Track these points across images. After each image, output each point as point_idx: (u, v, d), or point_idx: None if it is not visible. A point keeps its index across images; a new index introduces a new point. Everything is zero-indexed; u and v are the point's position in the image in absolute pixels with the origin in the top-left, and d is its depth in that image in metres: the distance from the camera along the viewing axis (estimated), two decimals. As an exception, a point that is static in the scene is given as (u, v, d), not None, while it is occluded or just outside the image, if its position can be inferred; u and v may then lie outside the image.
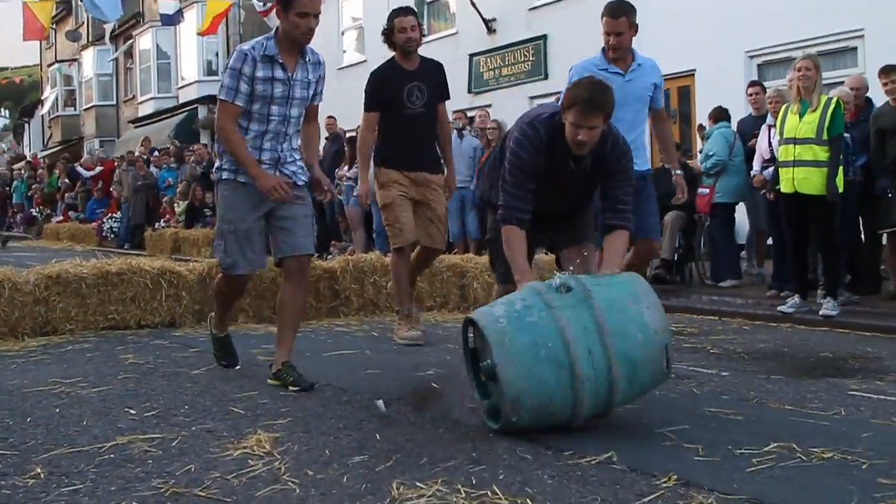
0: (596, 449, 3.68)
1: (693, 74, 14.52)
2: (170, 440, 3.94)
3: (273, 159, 5.09)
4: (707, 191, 10.05)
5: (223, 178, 5.12)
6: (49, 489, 3.29)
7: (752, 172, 9.35)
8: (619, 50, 5.91)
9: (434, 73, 7.05)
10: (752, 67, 13.65)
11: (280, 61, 4.96)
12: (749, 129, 10.09)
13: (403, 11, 6.95)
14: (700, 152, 11.08)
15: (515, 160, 4.50)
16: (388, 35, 6.83)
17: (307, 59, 5.12)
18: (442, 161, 7.30)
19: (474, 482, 3.28)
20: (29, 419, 4.38)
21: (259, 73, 4.92)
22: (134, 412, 4.49)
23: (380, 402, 4.44)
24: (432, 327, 7.68)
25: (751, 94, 10.55)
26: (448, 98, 7.30)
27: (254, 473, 3.44)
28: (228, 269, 5.21)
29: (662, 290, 9.59)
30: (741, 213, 10.47)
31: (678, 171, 6.53)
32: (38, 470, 3.51)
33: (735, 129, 10.48)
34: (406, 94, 6.72)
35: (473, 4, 17.66)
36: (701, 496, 3.07)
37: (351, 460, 3.60)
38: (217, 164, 5.27)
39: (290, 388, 4.96)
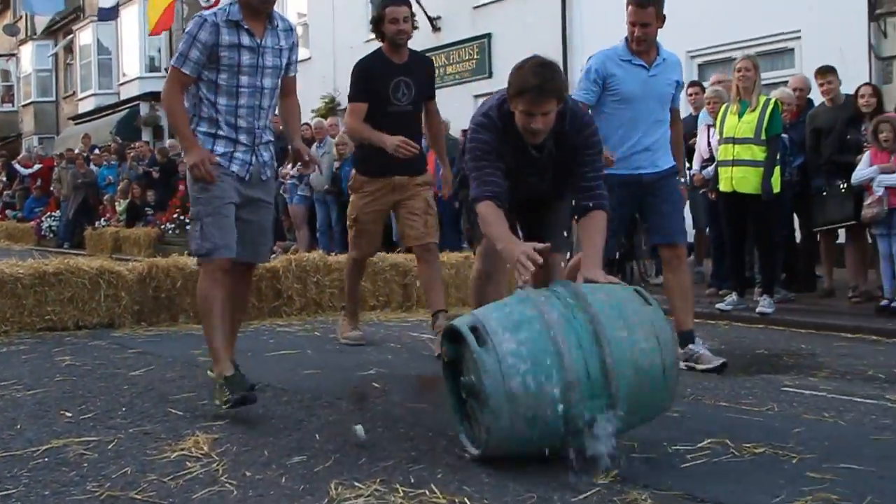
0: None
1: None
2: (106, 443, 3.89)
3: (250, 139, 4.65)
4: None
5: None
6: (-19, 494, 3.24)
7: (692, 172, 9.47)
8: (644, 42, 5.54)
9: (423, 69, 6.60)
10: (693, 67, 13.83)
11: (245, 27, 4.55)
12: (689, 128, 10.22)
13: (397, 1, 6.27)
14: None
15: (477, 145, 4.25)
16: (378, 24, 6.30)
17: (276, 26, 4.70)
18: (425, 160, 6.83)
19: (413, 481, 3.29)
20: (-39, 423, 4.32)
21: (224, 40, 4.51)
22: (70, 415, 4.42)
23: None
24: (375, 327, 7.68)
25: (690, 94, 10.67)
26: (434, 96, 6.74)
27: (191, 475, 3.41)
28: (208, 255, 4.53)
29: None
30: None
31: (682, 180, 6.54)
32: (-30, 475, 3.46)
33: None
34: (392, 89, 6.26)
35: (418, 2, 17.64)
36: (636, 492, 3.11)
37: (290, 461, 3.59)
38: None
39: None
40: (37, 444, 3.87)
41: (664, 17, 5.58)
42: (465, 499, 3.10)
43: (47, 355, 6.23)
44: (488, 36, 17.25)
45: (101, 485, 3.32)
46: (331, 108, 20.01)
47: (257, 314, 8.03)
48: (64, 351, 6.39)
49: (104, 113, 28.85)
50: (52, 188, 20.75)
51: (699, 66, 13.87)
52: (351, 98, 6.50)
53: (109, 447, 3.83)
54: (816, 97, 9.31)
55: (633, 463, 3.51)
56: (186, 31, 4.55)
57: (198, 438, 3.88)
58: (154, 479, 3.38)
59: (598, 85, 5.59)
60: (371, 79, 6.28)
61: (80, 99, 30.86)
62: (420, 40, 18.23)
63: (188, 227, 15.03)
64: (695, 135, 9.71)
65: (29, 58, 35.30)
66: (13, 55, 37.25)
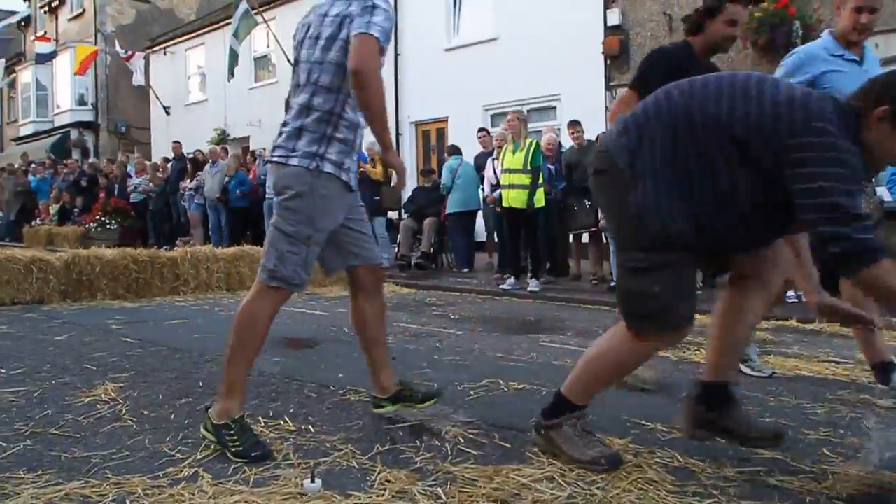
0: (364, 388, 3.71)
1: (447, 120, 14.90)
2: (32, 392, 3.67)
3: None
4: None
5: (325, 170, 2.85)
6: (-78, 434, 3.00)
7: (485, 194, 9.68)
8: (866, 31, 3.64)
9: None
10: (487, 117, 14.15)
11: None
12: (482, 161, 10.46)
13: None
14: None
15: (846, 172, 2.17)
16: (706, 16, 3.73)
17: None
18: None
19: (271, 415, 3.27)
20: None
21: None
22: (2, 371, 4.13)
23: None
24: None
25: (480, 137, 10.91)
26: None
27: (100, 415, 3.27)
28: (296, 285, 2.92)
29: (423, 275, 9.84)
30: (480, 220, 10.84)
31: None
32: (-85, 420, 3.19)
33: (471, 161, 10.79)
34: None
35: (290, 61, 17.28)
36: (437, 419, 3.20)
37: (178, 402, 3.49)
38: (311, 147, 2.85)
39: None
40: (-26, 394, 3.62)
41: None
42: (310, 426, 3.10)
43: (-13, 325, 5.80)
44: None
45: (26, 424, 3.13)
46: (222, 138, 19.37)
47: (159, 292, 7.72)
48: (1, 322, 5.97)
49: (41, 136, 26.90)
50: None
51: (491, 116, 14.17)
52: (633, 85, 3.79)
53: (35, 395, 3.61)
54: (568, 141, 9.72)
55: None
56: (382, 5, 2.86)
57: (107, 387, 3.71)
58: (70, 418, 3.22)
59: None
60: (676, 72, 3.26)
61: (21, 124, 28.63)
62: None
63: (108, 226, 14.30)
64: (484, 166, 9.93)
65: (-22, 91, 32.60)
66: (-36, 88, 34.29)
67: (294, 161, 2.85)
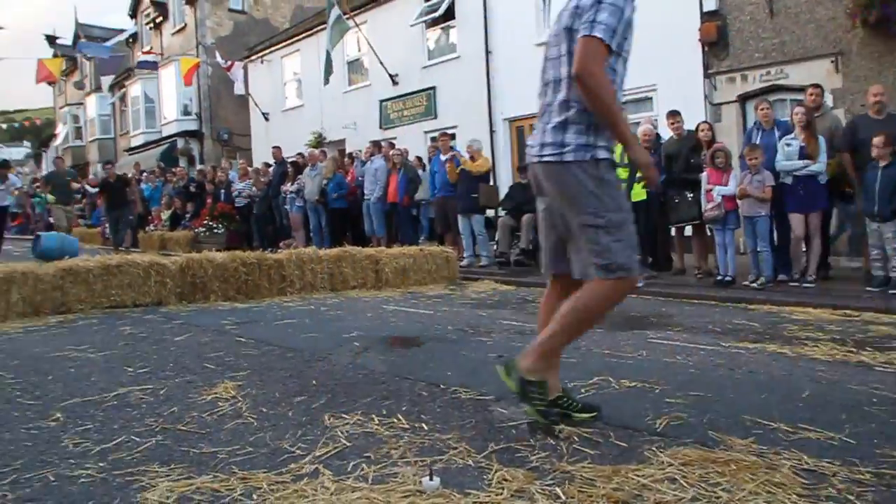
0: (474, 386, 3.77)
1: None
2: (158, 390, 3.86)
3: None
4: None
5: (601, 157, 2.91)
6: (67, 429, 3.20)
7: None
8: None
9: None
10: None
11: None
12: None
13: None
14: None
15: None
16: None
17: None
18: None
19: (384, 413, 3.32)
20: (50, 377, 4.23)
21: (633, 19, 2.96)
22: (131, 370, 4.37)
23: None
24: (352, 302, 7.67)
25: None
26: None
27: (222, 412, 3.41)
28: (633, 269, 2.93)
29: (523, 272, 9.79)
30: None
31: None
32: (58, 415, 3.41)
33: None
34: None
35: (382, 64, 17.60)
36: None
37: (295, 400, 3.59)
38: (581, 139, 2.88)
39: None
40: (107, 392, 3.83)
41: None
42: (423, 424, 3.14)
43: (112, 327, 6.13)
44: (433, 88, 17.24)
45: (156, 420, 3.30)
46: (319, 142, 19.86)
47: (267, 293, 7.96)
48: (125, 323, 6.30)
49: (150, 146, 28.28)
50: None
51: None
52: None
53: (161, 393, 3.80)
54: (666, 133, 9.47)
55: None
56: (610, 1, 2.82)
57: (226, 385, 3.87)
58: (195, 415, 3.37)
59: None
60: None
61: (132, 136, 30.17)
62: (384, 91, 18.32)
63: (215, 230, 14.88)
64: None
65: (93, 106, 34.50)
66: (81, 104, 36.38)
67: (569, 157, 2.88)
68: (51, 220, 23.72)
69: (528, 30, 14.76)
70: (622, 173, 7.88)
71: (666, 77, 12.07)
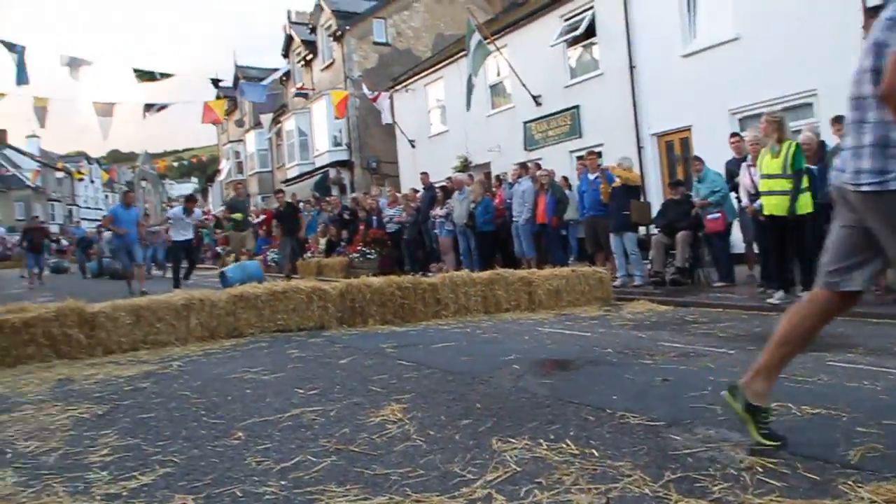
0: (641, 411, 3.65)
1: (690, 128, 14.28)
2: (328, 411, 4.00)
3: None
4: (718, 216, 9.78)
5: None
6: (249, 447, 3.38)
7: (744, 204, 9.12)
8: None
9: None
10: (735, 122, 13.34)
11: None
12: (734, 168, 9.87)
13: None
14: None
15: None
16: None
17: None
18: None
19: (552, 437, 3.27)
20: (229, 397, 4.50)
21: None
22: (301, 391, 4.57)
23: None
24: (507, 324, 7.66)
25: (732, 142, 10.30)
26: None
27: (391, 434, 3.48)
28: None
29: (679, 291, 9.44)
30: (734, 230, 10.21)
31: None
32: (240, 434, 3.61)
33: (721, 169, 10.25)
34: None
35: (524, 85, 17.67)
36: (727, 446, 3.03)
37: (460, 423, 3.62)
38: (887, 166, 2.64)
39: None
40: (281, 412, 4.02)
41: None
42: (593, 450, 3.07)
43: (280, 350, 6.43)
44: (577, 107, 17.10)
45: (329, 440, 3.42)
46: (465, 166, 20.17)
47: (422, 316, 8.10)
48: (291, 346, 6.59)
49: (304, 177, 29.80)
50: (273, 231, 21.47)
51: (739, 119, 13.34)
52: None
53: (331, 414, 3.94)
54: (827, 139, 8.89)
55: (720, 422, 3.41)
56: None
57: (393, 407, 3.95)
58: (365, 436, 3.46)
59: None
60: None
61: (288, 168, 31.93)
62: (527, 112, 18.38)
63: (368, 256, 15.39)
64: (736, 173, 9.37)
65: (252, 142, 36.89)
66: (241, 140, 38.95)
67: (893, 185, 2.63)
68: (218, 249, 25.49)
69: (674, 41, 14.38)
70: (786, 184, 7.47)
71: (826, 81, 11.32)
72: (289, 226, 15.87)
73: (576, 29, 16.81)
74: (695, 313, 7.91)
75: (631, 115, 15.45)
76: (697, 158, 10.43)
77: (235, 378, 5.13)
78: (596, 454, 3.01)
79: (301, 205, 21.38)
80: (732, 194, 9.86)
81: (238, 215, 15.81)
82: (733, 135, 10.68)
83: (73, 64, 18.39)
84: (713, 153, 10.94)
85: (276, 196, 15.44)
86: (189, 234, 13.79)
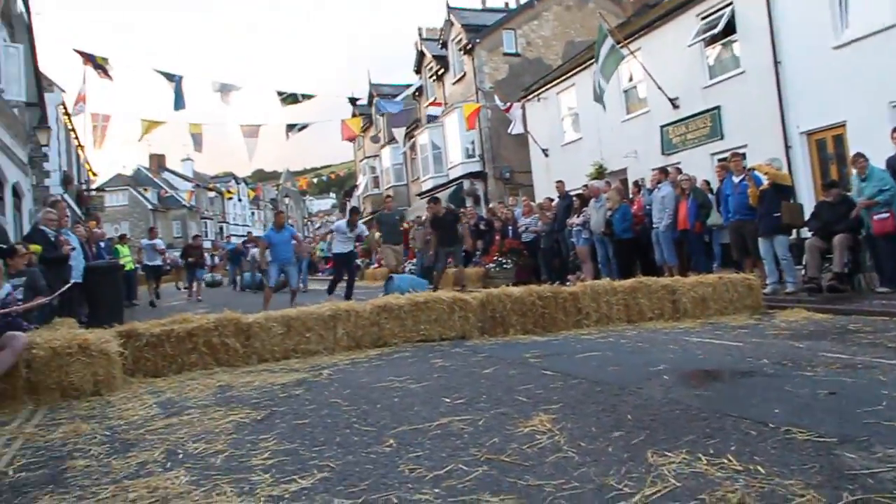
0: (808, 426, 3.42)
1: (844, 125, 13.36)
2: (476, 420, 4.01)
3: None
4: (887, 216, 9.04)
5: None
6: (401, 455, 3.44)
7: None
8: None
9: None
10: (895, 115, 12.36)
11: None
12: (896, 165, 9.15)
13: None
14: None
15: None
16: None
17: None
18: None
19: (712, 452, 3.13)
20: (378, 405, 4.60)
21: None
22: (448, 401, 4.60)
23: None
24: (651, 333, 7.42)
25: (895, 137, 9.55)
26: None
27: (541, 445, 3.44)
28: None
29: (838, 299, 8.82)
30: None
31: None
32: (391, 441, 3.68)
33: (883, 164, 9.53)
34: None
35: (660, 88, 17.18)
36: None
37: (612, 435, 3.53)
38: None
39: None
40: (430, 421, 4.06)
41: None
42: (758, 466, 2.90)
43: (425, 359, 6.52)
44: (718, 108, 16.42)
45: (479, 450, 3.42)
46: (600, 173, 19.84)
47: (563, 326, 7.99)
48: (435, 356, 6.66)
49: (439, 189, 30.29)
50: (409, 244, 21.92)
51: (901, 113, 12.34)
52: None
53: (480, 423, 3.94)
54: None
55: (897, 439, 3.14)
56: None
57: (541, 418, 3.91)
58: (515, 446, 3.44)
59: None
60: None
61: (423, 181, 32.58)
62: (663, 116, 17.85)
63: (504, 265, 15.43)
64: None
65: (387, 157, 37.94)
66: (377, 156, 40.17)
67: None
68: (357, 262, 26.27)
69: (823, 32, 13.52)
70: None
71: None
72: (447, 234, 14.47)
73: (714, 27, 16.17)
74: (857, 322, 7.34)
75: (777, 113, 14.66)
76: (860, 155, 9.70)
77: (383, 386, 5.24)
78: (762, 471, 2.84)
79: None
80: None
81: (368, 238, 14.81)
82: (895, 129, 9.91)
83: (224, 90, 19.57)
84: (872, 150, 10.18)
85: (430, 206, 14.70)
86: (350, 247, 13.50)
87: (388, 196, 19.59)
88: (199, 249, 20.89)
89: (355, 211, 14.42)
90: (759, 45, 15.07)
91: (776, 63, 14.65)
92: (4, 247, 7.86)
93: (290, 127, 21.83)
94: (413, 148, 34.43)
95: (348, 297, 12.51)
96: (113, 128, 20.49)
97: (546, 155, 23.84)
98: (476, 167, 28.03)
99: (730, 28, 16.00)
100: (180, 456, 3.71)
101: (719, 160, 13.92)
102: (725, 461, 2.99)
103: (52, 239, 9.76)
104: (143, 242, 19.75)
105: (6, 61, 16.12)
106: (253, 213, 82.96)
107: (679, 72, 17.35)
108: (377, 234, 15.13)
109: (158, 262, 19.12)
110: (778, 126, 14.60)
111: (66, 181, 25.86)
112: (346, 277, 13.65)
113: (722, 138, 16.33)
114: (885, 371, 4.71)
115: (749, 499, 2.56)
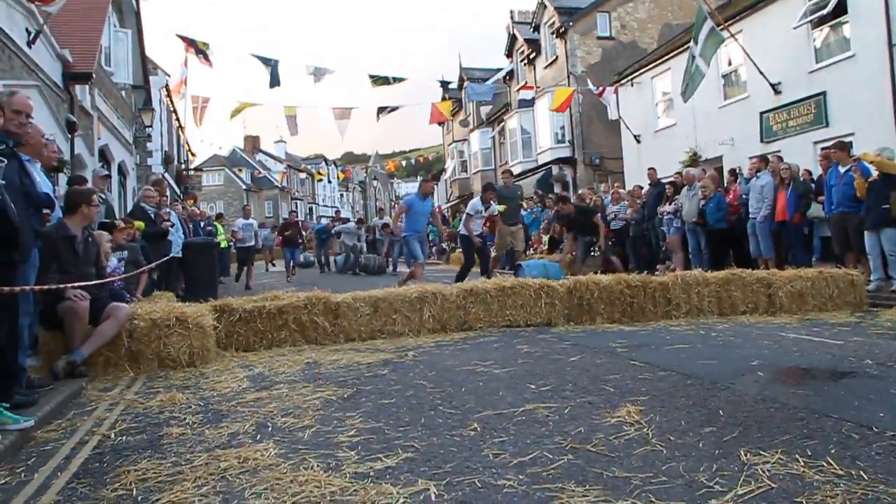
0: (915, 431, 3.24)
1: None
2: (562, 408, 3.97)
3: None
4: None
5: None
6: (485, 439, 3.44)
7: None
8: None
9: None
10: None
11: None
12: None
13: None
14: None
15: None
16: None
17: None
18: None
19: (809, 454, 3.00)
20: (463, 389, 4.62)
21: None
22: (533, 387, 4.58)
23: None
24: (744, 328, 7.17)
25: None
26: None
27: (628, 436, 3.38)
28: None
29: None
30: None
31: None
32: (476, 425, 3.69)
33: None
34: None
35: (761, 73, 16.49)
36: None
37: (702, 430, 3.43)
38: None
39: None
40: (515, 407, 4.05)
41: None
42: (861, 472, 2.76)
43: (510, 345, 6.50)
44: (824, 93, 15.64)
45: (564, 438, 3.39)
46: (694, 160, 19.25)
47: (652, 316, 7.83)
48: (520, 342, 6.64)
49: (528, 174, 30.07)
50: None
51: None
52: None
53: (565, 411, 3.91)
54: None
55: None
56: None
57: (629, 409, 3.84)
58: (601, 437, 3.39)
59: None
60: None
61: (511, 165, 32.40)
62: (763, 102, 17.14)
63: (591, 255, 15.19)
64: None
65: (476, 141, 37.86)
66: (466, 140, 40.18)
67: None
68: (443, 245, 26.46)
69: (945, 14, 12.67)
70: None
71: None
72: (584, 227, 13.94)
73: (823, 7, 15.36)
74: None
75: (889, 99, 13.82)
76: None
77: (468, 370, 5.25)
78: (865, 477, 2.71)
79: (524, 201, 21.59)
80: None
81: (502, 207, 13.05)
82: None
83: (318, 73, 19.96)
84: None
85: (560, 206, 13.46)
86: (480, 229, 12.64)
87: (507, 171, 17.70)
88: (297, 226, 20.24)
89: (489, 188, 12.84)
90: (872, 26, 14.24)
91: (891, 46, 13.81)
92: (107, 221, 8.26)
93: (381, 109, 22.09)
94: (502, 132, 34.28)
95: (488, 273, 11.92)
96: (211, 110, 21.14)
97: (638, 141, 23.29)
98: (566, 153, 27.66)
99: (840, 9, 15.18)
100: (269, 429, 3.83)
101: (822, 149, 13.29)
102: (824, 464, 2.86)
103: (152, 216, 10.20)
104: (240, 223, 18.80)
105: (115, 46, 16.92)
106: (342, 195, 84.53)
107: (782, 55, 16.60)
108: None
109: (251, 242, 18.29)
110: (889, 113, 13.78)
111: (167, 161, 26.99)
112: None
113: (827, 126, 15.56)
114: None
115: (850, 505, 2.45)
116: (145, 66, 21.93)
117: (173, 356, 5.92)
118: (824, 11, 15.34)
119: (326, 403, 4.37)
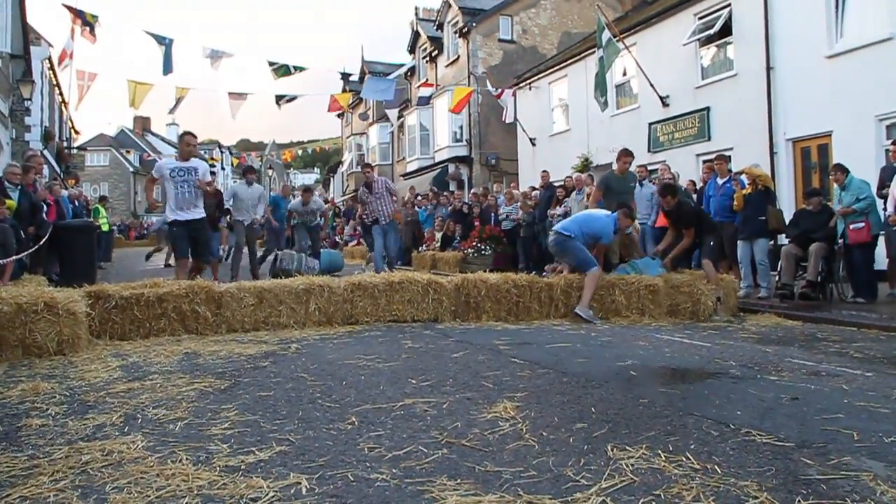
0: (768, 429, 3.45)
1: (830, 134, 13.44)
2: (441, 403, 4.01)
3: None
4: (862, 225, 9.19)
5: None
6: (362, 433, 3.43)
7: (888, 213, 8.54)
8: None
9: None
10: (882, 128, 12.47)
11: None
12: (887, 176, 9.23)
13: None
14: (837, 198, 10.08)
15: None
16: None
17: None
18: None
19: (671, 449, 3.14)
20: (344, 383, 4.58)
21: None
22: (414, 382, 4.60)
23: None
24: (625, 329, 7.45)
25: (893, 149, 9.66)
26: None
27: (503, 432, 3.44)
28: None
29: (808, 306, 8.90)
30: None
31: None
32: (353, 419, 3.67)
33: (869, 178, 9.65)
34: None
35: (652, 86, 17.19)
36: (867, 477, 2.81)
37: (574, 426, 3.53)
38: None
39: None
40: (394, 401, 4.05)
41: None
42: (716, 466, 2.92)
43: (395, 339, 6.51)
44: (707, 109, 16.47)
45: (441, 433, 3.42)
46: (585, 165, 19.85)
47: (537, 316, 8.01)
48: (405, 337, 6.66)
49: (424, 171, 30.18)
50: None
51: (887, 126, 12.45)
52: None
53: (444, 407, 3.94)
54: None
55: (854, 449, 3.17)
56: None
57: (506, 405, 3.91)
58: (477, 432, 3.44)
59: None
60: None
61: (408, 162, 32.43)
62: (652, 113, 17.87)
63: (482, 252, 15.42)
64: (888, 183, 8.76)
65: (375, 135, 37.71)
66: (364, 133, 39.92)
67: None
68: (336, 238, 26.18)
69: (818, 41, 13.58)
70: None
71: None
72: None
73: (711, 27, 16.19)
74: (826, 330, 7.42)
75: (765, 118, 14.73)
76: (840, 167, 9.77)
77: (350, 364, 5.22)
78: (719, 471, 2.86)
79: (418, 198, 21.67)
80: (879, 203, 9.24)
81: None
82: (895, 141, 10.00)
83: (214, 56, 19.29)
84: (854, 161, 10.30)
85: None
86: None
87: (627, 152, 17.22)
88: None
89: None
90: (753, 49, 15.12)
91: (769, 68, 14.71)
92: None
93: (280, 98, 21.59)
94: (401, 128, 34.27)
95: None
96: (98, 87, 20.05)
97: (533, 144, 23.82)
98: (462, 151, 27.95)
99: (726, 30, 16.03)
100: (139, 421, 3.68)
101: (704, 161, 13.97)
102: (684, 459, 3.00)
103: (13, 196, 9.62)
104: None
105: (-9, 9, 15.81)
106: (236, 182, 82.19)
107: (672, 70, 17.37)
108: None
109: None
110: (765, 131, 14.68)
111: (46, 137, 25.47)
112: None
113: (709, 139, 16.41)
114: (848, 380, 4.76)
115: (704, 497, 2.58)
116: (26, 34, 20.61)
117: (40, 343, 5.59)
118: (711, 31, 16.16)
119: (202, 395, 4.24)
